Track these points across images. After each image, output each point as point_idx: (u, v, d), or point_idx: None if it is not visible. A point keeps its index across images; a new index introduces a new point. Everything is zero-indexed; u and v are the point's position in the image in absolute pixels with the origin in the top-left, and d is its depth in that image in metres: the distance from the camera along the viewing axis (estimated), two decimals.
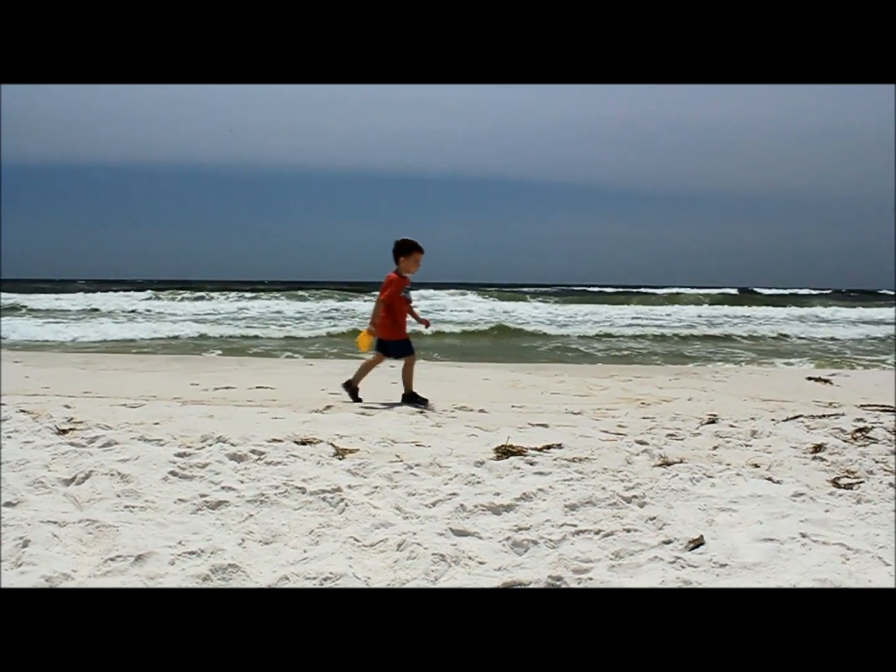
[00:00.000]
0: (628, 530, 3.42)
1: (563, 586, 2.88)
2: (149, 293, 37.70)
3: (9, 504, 3.61)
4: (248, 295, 37.83)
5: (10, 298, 31.65)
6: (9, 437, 4.95)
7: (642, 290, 52.85)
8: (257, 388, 8.18)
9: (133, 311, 29.32)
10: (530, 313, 30.67)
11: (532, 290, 55.47)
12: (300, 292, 39.23)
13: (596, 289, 57.56)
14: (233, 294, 38.34)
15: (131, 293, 37.99)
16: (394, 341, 7.28)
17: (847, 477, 4.44)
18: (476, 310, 31.75)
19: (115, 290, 39.81)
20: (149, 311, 29.73)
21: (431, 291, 40.40)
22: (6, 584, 2.83)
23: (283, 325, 23.65)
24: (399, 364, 7.37)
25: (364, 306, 33.06)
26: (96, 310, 29.77)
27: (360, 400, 7.25)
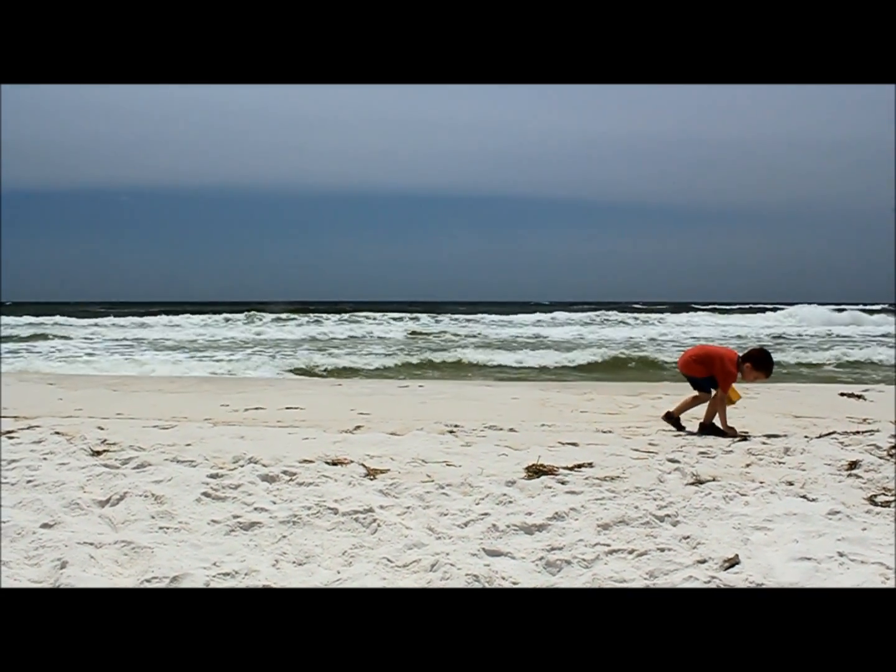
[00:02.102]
0: (662, 549, 3.39)
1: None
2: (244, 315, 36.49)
3: (46, 525, 3.66)
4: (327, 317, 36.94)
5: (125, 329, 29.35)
6: (44, 458, 5.02)
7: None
8: (287, 408, 8.23)
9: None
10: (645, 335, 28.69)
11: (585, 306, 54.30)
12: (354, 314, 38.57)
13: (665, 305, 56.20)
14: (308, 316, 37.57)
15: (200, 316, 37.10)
16: (700, 378, 7.12)
17: (884, 494, 4.37)
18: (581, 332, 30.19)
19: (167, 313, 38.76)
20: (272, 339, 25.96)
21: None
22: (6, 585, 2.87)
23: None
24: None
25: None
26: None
27: (719, 430, 6.86)
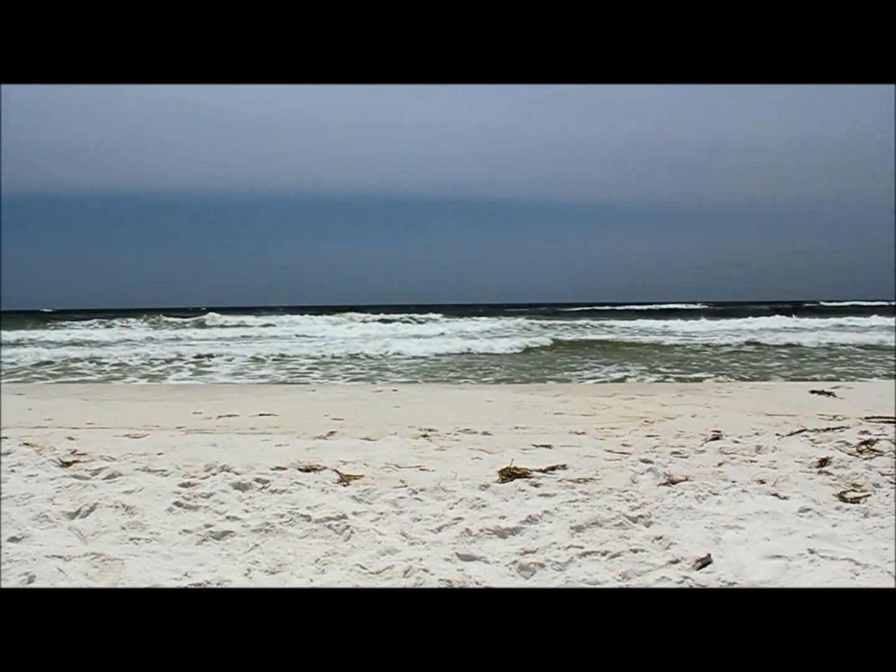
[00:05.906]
0: (635, 551, 3.41)
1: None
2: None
3: (13, 539, 3.60)
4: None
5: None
6: (12, 470, 4.95)
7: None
8: (260, 415, 8.17)
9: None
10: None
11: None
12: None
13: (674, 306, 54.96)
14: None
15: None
16: None
17: (853, 491, 4.42)
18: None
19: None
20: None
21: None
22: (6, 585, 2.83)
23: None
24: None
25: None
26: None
27: None
